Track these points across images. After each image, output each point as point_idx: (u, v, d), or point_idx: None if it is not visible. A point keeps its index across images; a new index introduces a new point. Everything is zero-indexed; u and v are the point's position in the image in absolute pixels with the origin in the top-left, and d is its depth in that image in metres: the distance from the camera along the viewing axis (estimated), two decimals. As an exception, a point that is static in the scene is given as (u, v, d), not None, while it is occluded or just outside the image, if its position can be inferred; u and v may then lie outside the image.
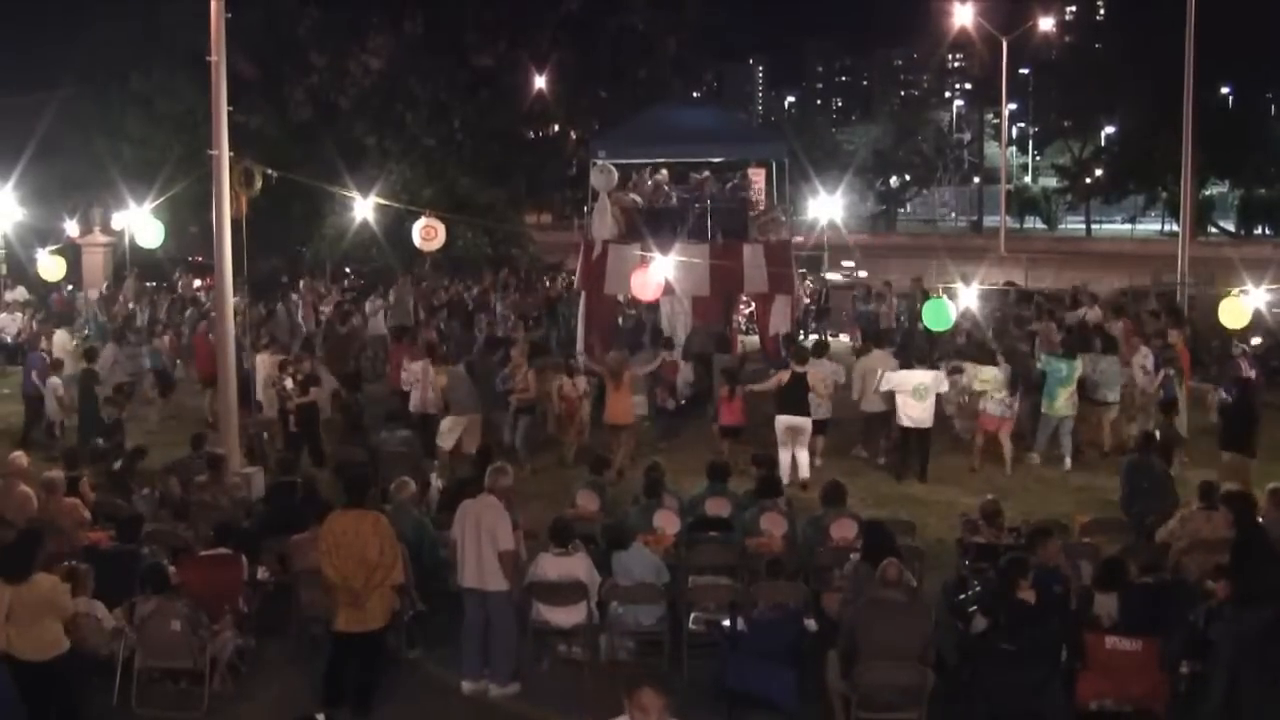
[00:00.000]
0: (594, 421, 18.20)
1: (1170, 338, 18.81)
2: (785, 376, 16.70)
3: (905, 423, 16.81)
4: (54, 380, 19.05)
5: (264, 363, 18.59)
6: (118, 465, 14.87)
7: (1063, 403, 17.25)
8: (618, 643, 10.79)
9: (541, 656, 10.80)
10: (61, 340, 22.55)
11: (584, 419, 18.03)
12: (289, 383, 17.56)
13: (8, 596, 8.81)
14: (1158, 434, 15.41)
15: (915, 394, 16.58)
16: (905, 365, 17.57)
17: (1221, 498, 11.54)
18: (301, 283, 31.38)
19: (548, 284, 34.33)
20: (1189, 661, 9.70)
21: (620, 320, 25.04)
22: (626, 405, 17.56)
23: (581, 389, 17.93)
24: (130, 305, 29.57)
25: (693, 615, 10.78)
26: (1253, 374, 18.53)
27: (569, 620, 10.68)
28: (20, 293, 31.16)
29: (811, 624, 10.32)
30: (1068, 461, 17.36)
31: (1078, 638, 9.27)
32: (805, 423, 16.46)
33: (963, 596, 10.36)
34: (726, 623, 10.38)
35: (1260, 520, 11.07)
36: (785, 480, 15.12)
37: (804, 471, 16.41)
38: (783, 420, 16.47)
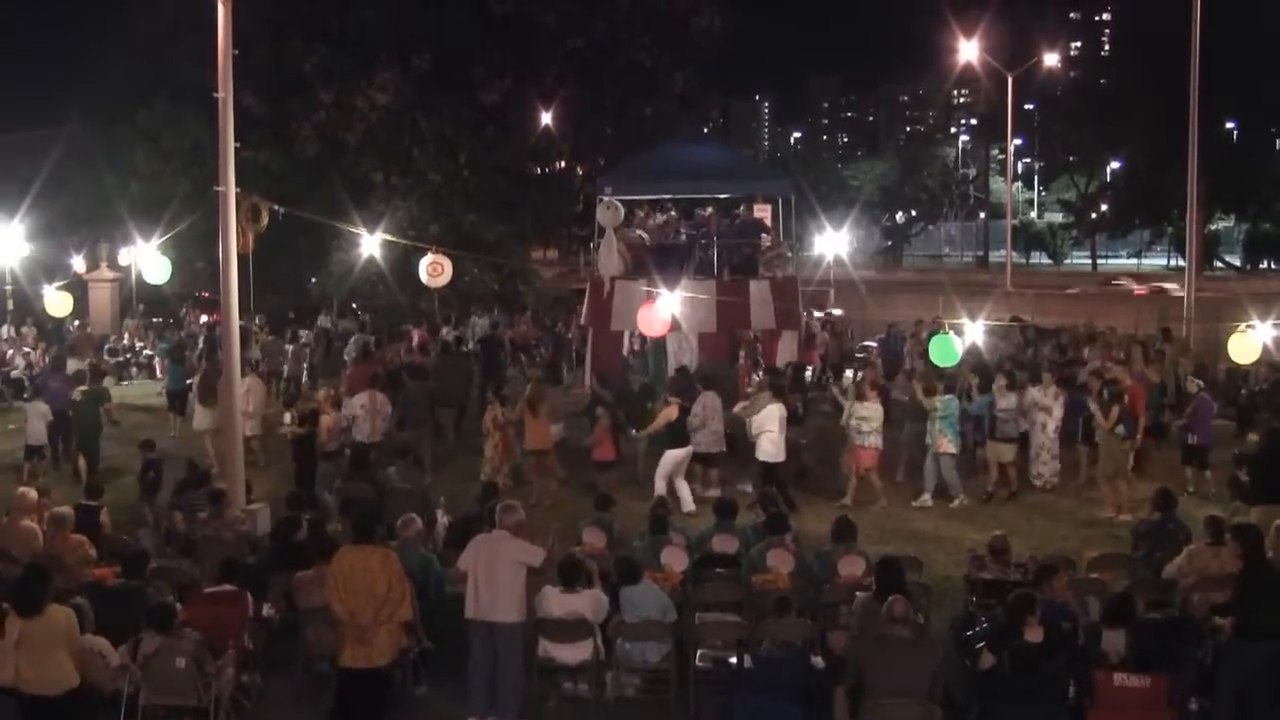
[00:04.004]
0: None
1: (1113, 373, 18.68)
2: (674, 412, 17.16)
3: (772, 459, 16.98)
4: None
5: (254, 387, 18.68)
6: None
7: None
8: (624, 680, 10.73)
9: (548, 694, 10.74)
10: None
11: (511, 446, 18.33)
12: (287, 417, 17.49)
13: (18, 629, 8.82)
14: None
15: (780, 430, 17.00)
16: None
17: (1230, 531, 11.47)
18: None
19: None
20: (1197, 698, 9.66)
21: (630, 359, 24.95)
22: (544, 433, 17.85)
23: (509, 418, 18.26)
24: (138, 343, 29.65)
25: (699, 652, 10.71)
26: (1214, 407, 18.53)
27: (575, 657, 10.61)
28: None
29: (819, 661, 10.27)
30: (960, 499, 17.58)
31: (1086, 674, 9.22)
32: (686, 453, 17.14)
33: (970, 633, 10.29)
34: (734, 660, 10.33)
35: (1270, 555, 11.03)
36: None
37: (687, 505, 16.76)
38: (674, 454, 17.05)
